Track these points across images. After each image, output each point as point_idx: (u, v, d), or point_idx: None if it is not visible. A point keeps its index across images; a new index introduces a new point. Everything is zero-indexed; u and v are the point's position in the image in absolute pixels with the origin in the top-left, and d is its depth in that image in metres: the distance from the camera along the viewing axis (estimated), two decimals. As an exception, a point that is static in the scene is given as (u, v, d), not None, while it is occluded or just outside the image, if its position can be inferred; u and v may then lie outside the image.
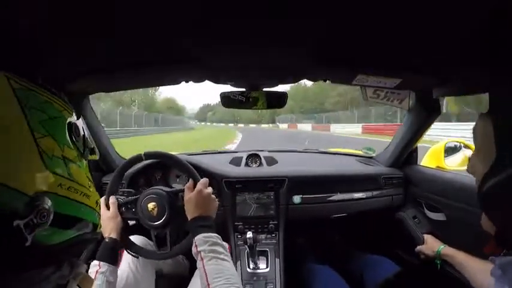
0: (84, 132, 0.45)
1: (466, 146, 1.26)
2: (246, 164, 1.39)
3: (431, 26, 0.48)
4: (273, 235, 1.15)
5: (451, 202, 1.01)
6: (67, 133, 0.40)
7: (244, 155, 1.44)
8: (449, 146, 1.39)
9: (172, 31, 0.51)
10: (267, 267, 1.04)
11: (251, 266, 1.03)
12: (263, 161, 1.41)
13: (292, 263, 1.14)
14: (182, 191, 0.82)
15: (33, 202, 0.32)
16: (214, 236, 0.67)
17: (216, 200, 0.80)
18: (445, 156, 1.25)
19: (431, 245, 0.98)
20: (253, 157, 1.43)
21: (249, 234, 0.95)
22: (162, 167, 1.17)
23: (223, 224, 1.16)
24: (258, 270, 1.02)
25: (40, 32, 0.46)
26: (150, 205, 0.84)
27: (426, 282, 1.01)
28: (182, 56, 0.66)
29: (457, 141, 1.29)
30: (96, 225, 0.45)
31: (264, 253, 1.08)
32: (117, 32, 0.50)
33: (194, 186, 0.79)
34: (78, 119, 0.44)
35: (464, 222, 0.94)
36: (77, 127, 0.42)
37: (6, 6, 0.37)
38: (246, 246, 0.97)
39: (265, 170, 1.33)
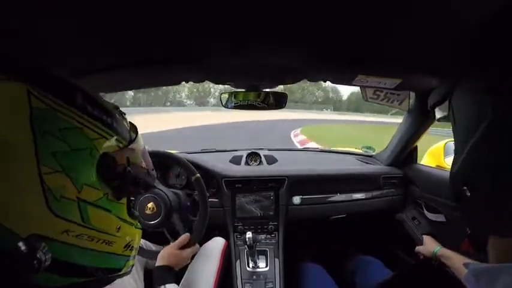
0: (127, 164, 0.37)
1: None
2: (246, 163, 1.39)
3: (431, 26, 0.47)
4: (273, 235, 1.15)
5: (451, 203, 1.01)
6: (94, 169, 0.33)
7: (244, 154, 1.44)
8: (449, 145, 1.40)
9: (173, 31, 0.50)
10: (266, 266, 1.04)
11: (250, 265, 1.04)
12: (263, 159, 1.41)
13: (292, 263, 1.14)
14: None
15: (25, 245, 0.27)
16: None
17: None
18: (444, 156, 1.26)
19: (429, 245, 0.99)
20: (253, 156, 1.43)
21: (249, 235, 0.95)
22: (161, 166, 1.16)
23: (223, 224, 1.15)
24: (258, 270, 1.03)
25: (38, 32, 0.46)
26: (150, 205, 0.84)
27: (422, 283, 1.02)
28: (182, 57, 0.65)
29: None
30: (120, 269, 0.38)
31: (263, 252, 1.08)
32: (116, 33, 0.50)
33: (189, 241, 0.85)
34: (128, 145, 0.37)
35: (464, 223, 0.94)
36: (113, 160, 0.35)
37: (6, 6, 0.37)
38: (246, 246, 0.98)
39: (265, 169, 1.32)
